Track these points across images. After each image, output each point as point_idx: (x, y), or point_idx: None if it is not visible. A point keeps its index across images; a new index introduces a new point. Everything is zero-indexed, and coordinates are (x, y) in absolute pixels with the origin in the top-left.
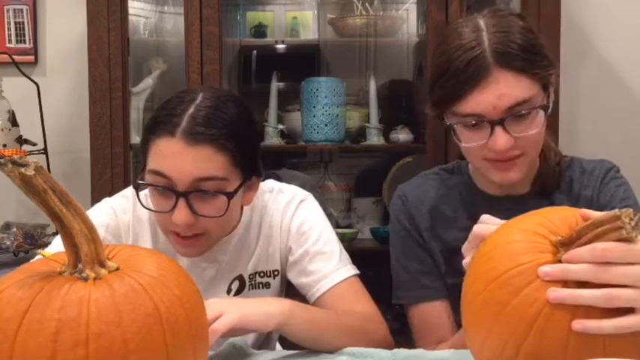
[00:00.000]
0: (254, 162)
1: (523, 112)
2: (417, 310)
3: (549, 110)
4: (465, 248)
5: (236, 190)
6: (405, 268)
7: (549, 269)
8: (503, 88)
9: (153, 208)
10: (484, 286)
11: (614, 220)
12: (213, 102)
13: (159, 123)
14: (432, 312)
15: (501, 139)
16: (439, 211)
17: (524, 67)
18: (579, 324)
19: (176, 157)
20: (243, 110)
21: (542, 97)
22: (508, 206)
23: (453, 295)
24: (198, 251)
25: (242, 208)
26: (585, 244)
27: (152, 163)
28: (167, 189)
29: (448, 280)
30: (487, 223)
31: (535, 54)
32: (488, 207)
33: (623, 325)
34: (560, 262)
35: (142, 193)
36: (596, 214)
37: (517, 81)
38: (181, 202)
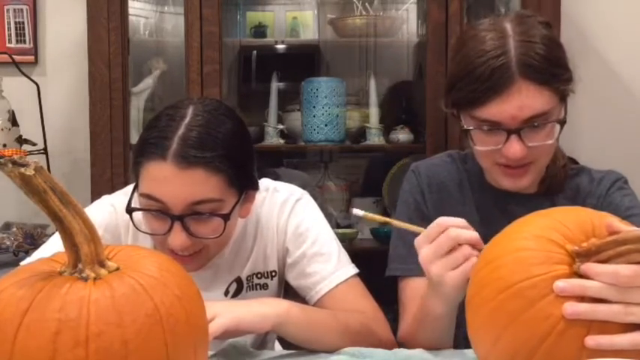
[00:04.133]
0: (249, 177)
1: (540, 123)
2: (407, 284)
3: (565, 124)
4: (428, 256)
5: (232, 210)
6: (405, 241)
7: (565, 285)
8: (525, 100)
9: (149, 231)
10: (494, 295)
11: (637, 241)
12: (205, 119)
13: (149, 145)
14: (422, 287)
15: (515, 147)
16: (449, 192)
17: (547, 79)
18: (592, 340)
19: (168, 181)
20: (237, 124)
21: (559, 109)
22: (512, 202)
23: None
24: (197, 267)
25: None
26: (605, 260)
27: (144, 187)
28: (161, 212)
29: None
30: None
31: (559, 67)
32: (493, 200)
33: (638, 341)
34: (576, 274)
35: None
36: (622, 227)
37: (539, 93)
38: (177, 226)
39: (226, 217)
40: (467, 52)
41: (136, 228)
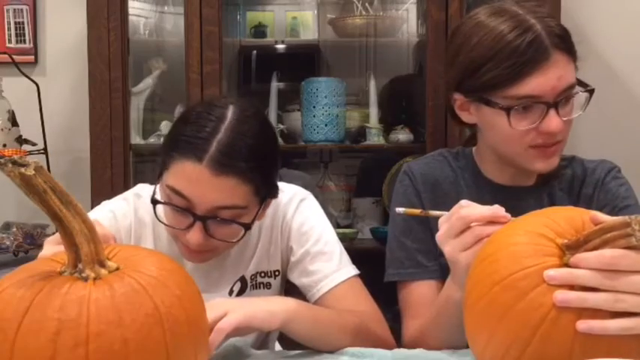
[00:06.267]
0: (274, 186)
1: (572, 95)
2: (407, 288)
3: (593, 92)
4: (442, 236)
5: (253, 220)
6: (402, 245)
7: (555, 273)
8: (561, 71)
9: (166, 222)
10: (488, 289)
11: (623, 227)
12: (243, 126)
13: (185, 142)
14: (421, 291)
15: (557, 120)
16: (443, 190)
17: (571, 50)
18: (584, 324)
19: (201, 183)
20: (271, 134)
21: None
22: (511, 197)
23: (448, 276)
24: (203, 260)
25: None
26: (593, 249)
27: (173, 181)
28: (185, 210)
29: (443, 261)
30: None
31: (571, 39)
32: (492, 195)
33: (628, 326)
34: (566, 265)
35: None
36: (605, 218)
37: (568, 63)
38: (197, 225)
39: (247, 227)
40: (482, 36)
41: (158, 219)
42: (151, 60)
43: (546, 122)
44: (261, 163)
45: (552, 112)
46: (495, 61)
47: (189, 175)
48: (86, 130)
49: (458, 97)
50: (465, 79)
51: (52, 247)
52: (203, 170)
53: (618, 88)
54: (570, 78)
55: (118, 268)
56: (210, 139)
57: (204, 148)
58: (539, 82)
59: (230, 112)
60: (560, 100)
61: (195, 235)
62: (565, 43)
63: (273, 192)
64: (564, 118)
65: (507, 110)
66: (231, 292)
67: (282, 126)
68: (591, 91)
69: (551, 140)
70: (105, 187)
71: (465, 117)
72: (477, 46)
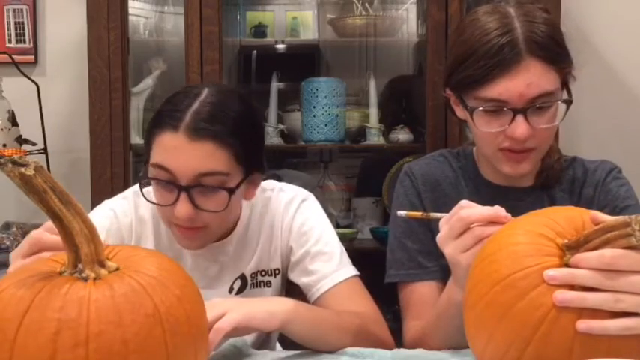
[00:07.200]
0: (257, 158)
1: (546, 104)
2: (408, 289)
3: (571, 104)
4: (443, 237)
5: (237, 186)
6: (403, 246)
7: (555, 273)
8: (532, 77)
9: (155, 201)
10: (488, 289)
11: (623, 227)
12: (218, 98)
13: (163, 117)
14: (422, 292)
15: (522, 127)
16: (444, 192)
17: (553, 59)
18: (584, 323)
19: (179, 151)
20: (247, 107)
21: (562, 93)
22: (510, 197)
23: (448, 277)
24: (199, 244)
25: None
26: (593, 248)
27: (155, 157)
28: (169, 183)
29: (444, 262)
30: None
31: (561, 48)
32: (490, 196)
33: (628, 326)
34: (566, 265)
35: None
36: (606, 218)
37: (545, 72)
38: (183, 196)
39: (231, 191)
40: (470, 33)
41: (144, 197)
42: (151, 60)
43: (512, 127)
44: (238, 128)
45: (520, 118)
46: (469, 61)
47: (167, 146)
48: (86, 130)
49: (449, 93)
50: (451, 74)
51: (20, 261)
52: (179, 138)
53: (618, 88)
54: (545, 86)
55: (117, 268)
56: (185, 110)
57: (180, 118)
58: (506, 87)
59: (206, 90)
60: (529, 107)
61: (182, 208)
62: (544, 51)
63: (258, 165)
64: (541, 126)
65: (471, 111)
66: (231, 290)
67: (282, 126)
68: (568, 102)
69: (519, 146)
70: (105, 187)
71: (459, 112)
72: (463, 43)
